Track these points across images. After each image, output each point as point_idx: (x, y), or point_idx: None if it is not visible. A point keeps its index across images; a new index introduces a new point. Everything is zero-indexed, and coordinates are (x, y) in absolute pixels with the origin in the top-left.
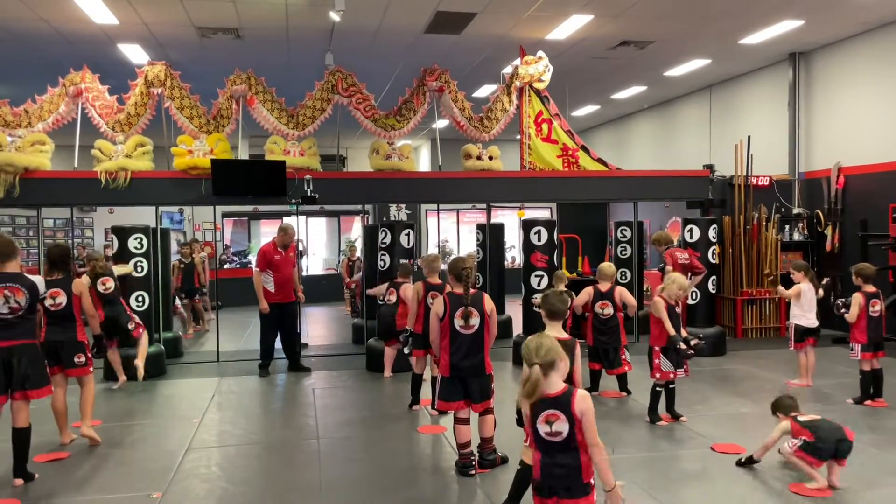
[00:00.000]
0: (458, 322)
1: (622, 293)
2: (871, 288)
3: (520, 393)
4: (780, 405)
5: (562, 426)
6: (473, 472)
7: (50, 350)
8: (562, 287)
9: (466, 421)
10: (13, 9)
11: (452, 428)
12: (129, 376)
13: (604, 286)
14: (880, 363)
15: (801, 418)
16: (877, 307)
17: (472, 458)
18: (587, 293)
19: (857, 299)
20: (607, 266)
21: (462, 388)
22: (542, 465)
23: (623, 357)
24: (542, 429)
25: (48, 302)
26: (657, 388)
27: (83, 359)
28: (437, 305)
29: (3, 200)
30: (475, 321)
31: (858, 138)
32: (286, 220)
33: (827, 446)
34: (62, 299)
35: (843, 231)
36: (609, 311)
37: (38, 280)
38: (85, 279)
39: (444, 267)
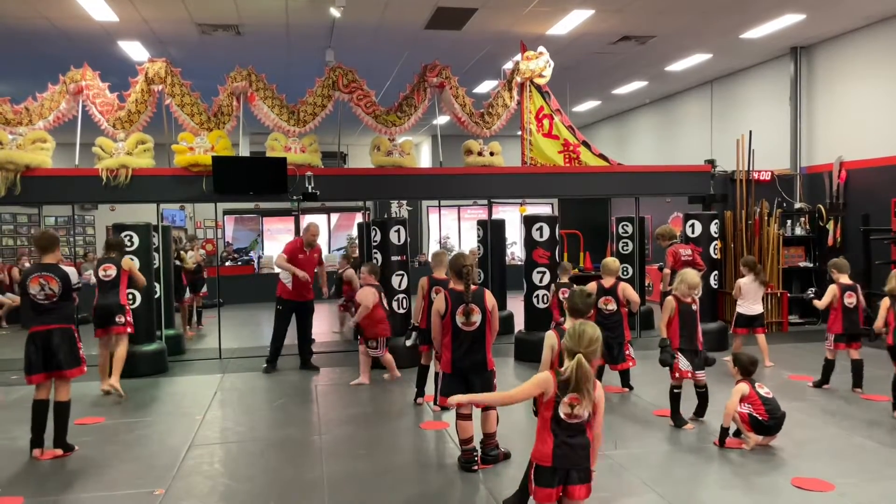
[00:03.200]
0: (459, 319)
1: (625, 289)
2: (846, 280)
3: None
4: (739, 362)
5: (582, 411)
6: (476, 467)
7: (101, 313)
8: (566, 278)
9: (469, 417)
10: (14, 6)
11: (455, 424)
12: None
13: (607, 282)
14: (860, 355)
15: (760, 390)
16: (852, 299)
17: (475, 453)
18: (590, 289)
19: (831, 290)
20: (611, 261)
21: (464, 385)
22: (555, 445)
23: (627, 353)
24: (563, 410)
25: (101, 273)
26: (675, 391)
27: (122, 319)
28: (439, 302)
29: (4, 198)
30: (477, 318)
31: (860, 132)
32: (313, 217)
33: (771, 424)
34: (112, 272)
35: (845, 226)
36: (612, 306)
37: (72, 271)
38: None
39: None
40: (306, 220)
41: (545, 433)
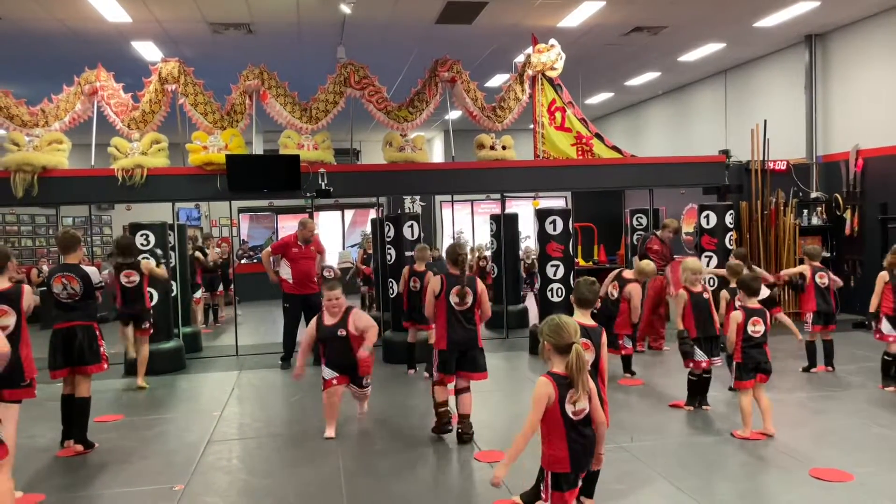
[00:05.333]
0: (453, 299)
1: (633, 295)
2: (816, 263)
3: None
4: (742, 283)
5: (585, 403)
6: (450, 428)
7: (126, 318)
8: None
9: (445, 384)
10: (28, 9)
11: (432, 390)
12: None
13: (628, 274)
14: (831, 335)
15: (749, 328)
16: (824, 279)
17: (449, 415)
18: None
19: (804, 267)
20: (645, 264)
21: (460, 360)
22: (570, 448)
23: (620, 342)
24: (569, 409)
25: (124, 280)
26: (691, 378)
27: (147, 325)
28: (434, 284)
29: (22, 199)
30: (469, 299)
31: (877, 120)
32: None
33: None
34: (136, 278)
35: (862, 214)
36: (615, 292)
37: (92, 271)
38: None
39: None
40: (320, 217)
41: (556, 439)
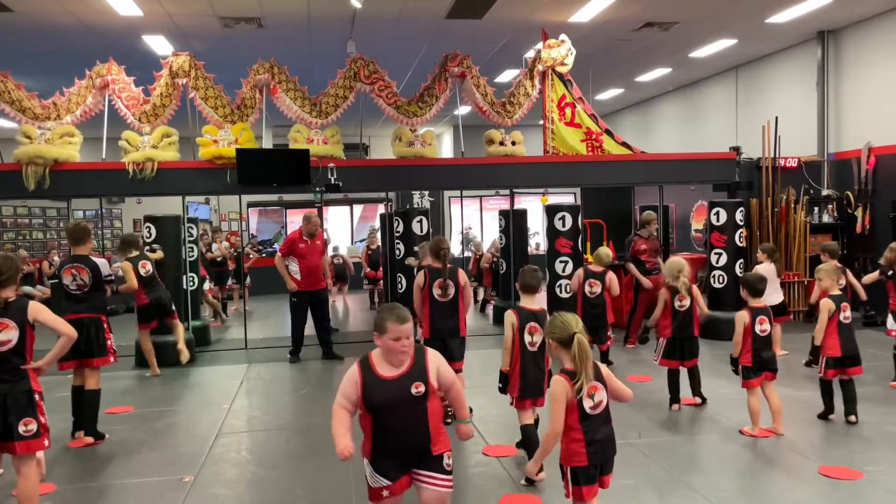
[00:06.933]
0: (436, 291)
1: (612, 279)
2: (837, 263)
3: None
4: (747, 283)
5: (602, 395)
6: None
7: (155, 306)
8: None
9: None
10: (40, 3)
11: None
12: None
13: (596, 267)
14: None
15: (757, 328)
16: (842, 280)
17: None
18: (578, 274)
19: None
20: (604, 252)
21: (442, 347)
22: (587, 441)
23: (608, 333)
24: (587, 403)
25: (142, 271)
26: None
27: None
28: (419, 278)
29: (33, 192)
30: (451, 291)
31: (889, 117)
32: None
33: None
34: (149, 266)
35: (873, 212)
36: (598, 289)
37: (102, 263)
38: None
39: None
40: (329, 212)
41: (574, 434)
